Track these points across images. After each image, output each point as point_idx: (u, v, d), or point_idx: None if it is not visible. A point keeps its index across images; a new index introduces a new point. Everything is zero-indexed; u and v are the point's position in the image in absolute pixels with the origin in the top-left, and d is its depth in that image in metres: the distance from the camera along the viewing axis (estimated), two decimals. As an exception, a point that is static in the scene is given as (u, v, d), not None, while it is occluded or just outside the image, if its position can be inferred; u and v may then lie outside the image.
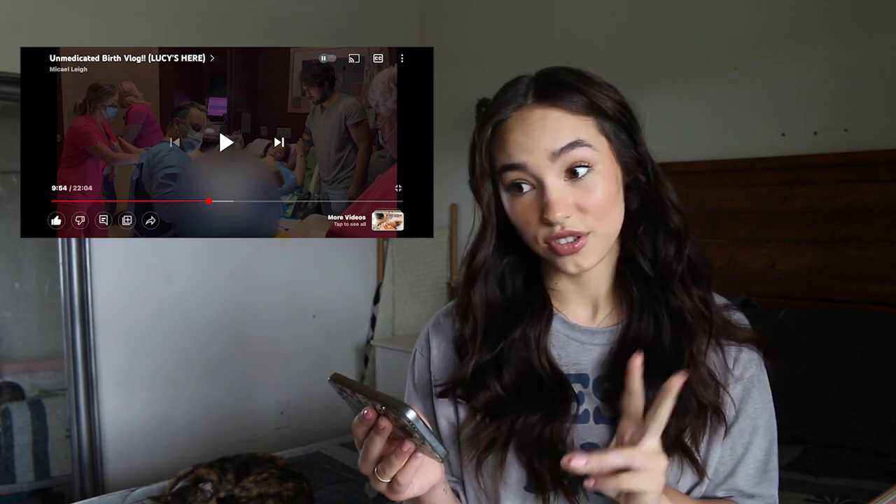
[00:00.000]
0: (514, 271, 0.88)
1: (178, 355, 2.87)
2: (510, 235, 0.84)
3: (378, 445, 0.69)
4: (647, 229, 0.84)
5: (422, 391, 0.92)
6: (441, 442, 0.66)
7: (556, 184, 0.77)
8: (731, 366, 0.83)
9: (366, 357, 3.40)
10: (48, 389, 3.39)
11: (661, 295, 0.83)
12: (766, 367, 0.87)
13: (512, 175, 0.79)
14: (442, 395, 0.88)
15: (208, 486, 1.74)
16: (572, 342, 0.86)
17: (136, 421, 2.76)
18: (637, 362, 0.73)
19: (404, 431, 0.67)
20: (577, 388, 0.84)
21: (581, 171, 0.76)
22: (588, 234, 0.78)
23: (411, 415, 0.63)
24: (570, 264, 0.79)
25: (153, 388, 2.81)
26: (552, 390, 0.82)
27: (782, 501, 1.56)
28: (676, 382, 0.69)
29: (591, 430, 0.83)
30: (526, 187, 0.79)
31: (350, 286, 3.40)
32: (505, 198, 0.81)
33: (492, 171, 0.81)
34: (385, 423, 0.67)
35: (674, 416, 0.75)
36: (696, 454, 0.79)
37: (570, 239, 0.77)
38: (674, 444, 0.77)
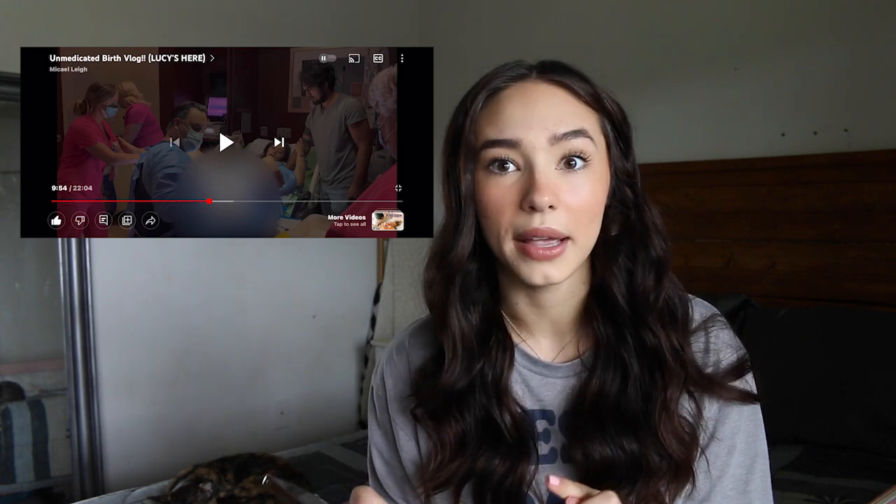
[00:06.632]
0: (476, 287, 0.79)
1: (178, 355, 2.87)
2: (478, 234, 0.75)
3: None
4: (624, 260, 0.75)
5: (384, 429, 0.87)
6: None
7: (547, 167, 0.69)
8: (705, 404, 0.75)
9: (366, 357, 3.40)
10: (48, 389, 3.39)
11: (635, 334, 0.74)
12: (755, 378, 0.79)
13: (498, 152, 0.70)
14: (413, 410, 0.81)
15: (208, 486, 1.74)
16: (535, 376, 0.79)
17: (136, 421, 2.76)
18: (553, 484, 0.64)
19: None
20: (542, 424, 0.78)
21: (578, 162, 0.70)
22: (567, 239, 0.70)
23: None
24: (537, 273, 0.70)
25: (153, 388, 2.81)
26: (512, 443, 0.75)
27: (782, 501, 1.57)
28: (553, 484, 0.64)
29: (557, 472, 0.76)
30: (511, 167, 0.70)
31: (350, 286, 3.40)
32: (477, 178, 0.72)
33: (477, 146, 0.72)
34: None
35: (642, 477, 0.71)
36: None
37: (549, 242, 0.69)
38: (649, 498, 0.71)
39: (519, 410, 0.77)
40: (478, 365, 0.77)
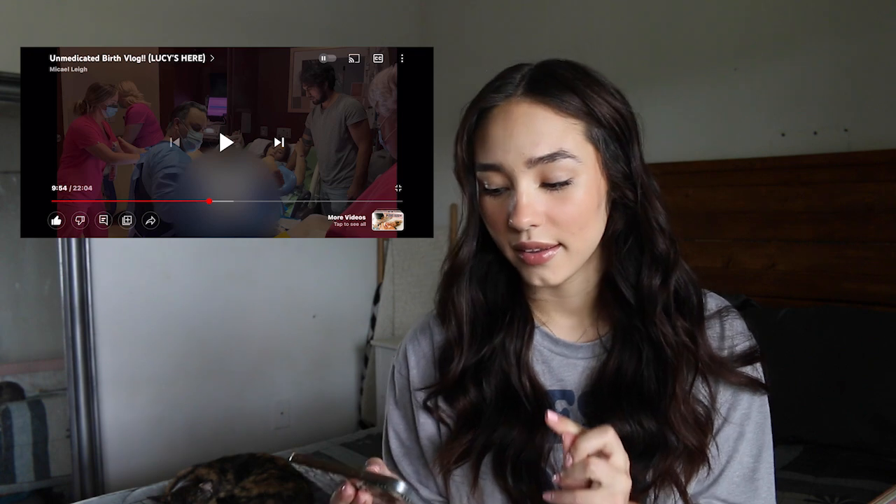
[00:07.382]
0: (497, 271, 0.82)
1: (177, 355, 2.87)
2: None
3: None
4: (631, 251, 0.78)
5: (405, 410, 0.88)
6: None
7: (528, 188, 0.71)
8: (719, 389, 0.78)
9: (366, 357, 3.40)
10: (48, 389, 3.40)
11: (642, 325, 0.76)
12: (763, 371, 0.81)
13: (486, 175, 0.74)
14: (426, 402, 0.83)
15: (208, 486, 1.74)
16: (556, 357, 0.82)
17: (136, 421, 2.76)
18: (552, 419, 0.66)
19: (387, 500, 0.65)
20: (561, 405, 0.80)
21: (558, 185, 0.71)
22: (557, 246, 0.73)
23: (402, 488, 0.62)
24: (534, 276, 0.74)
25: (153, 388, 2.81)
26: (531, 413, 0.77)
27: (782, 501, 1.57)
28: (551, 419, 0.65)
29: None
30: (500, 189, 0.74)
31: (350, 286, 3.40)
32: (479, 193, 0.76)
33: (472, 163, 0.76)
34: (366, 498, 0.66)
35: (659, 454, 0.72)
36: (685, 485, 0.74)
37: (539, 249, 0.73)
38: (664, 476, 0.73)
39: (538, 379, 0.80)
40: (497, 338, 0.80)
